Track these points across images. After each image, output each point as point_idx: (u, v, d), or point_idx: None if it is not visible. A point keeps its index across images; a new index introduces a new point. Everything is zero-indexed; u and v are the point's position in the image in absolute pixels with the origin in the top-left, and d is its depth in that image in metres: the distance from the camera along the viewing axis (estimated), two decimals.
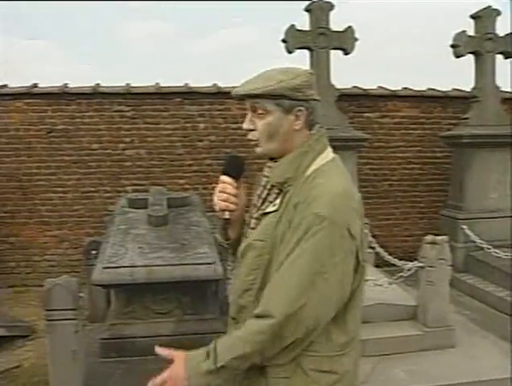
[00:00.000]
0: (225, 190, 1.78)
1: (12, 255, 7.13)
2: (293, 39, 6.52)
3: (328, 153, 1.72)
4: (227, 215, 1.78)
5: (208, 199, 6.72)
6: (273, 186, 1.72)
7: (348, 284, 1.60)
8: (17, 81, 7.42)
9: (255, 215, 1.76)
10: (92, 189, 7.19)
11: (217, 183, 1.82)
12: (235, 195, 1.79)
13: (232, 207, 1.79)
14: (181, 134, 7.25)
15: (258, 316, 1.58)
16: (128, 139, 7.19)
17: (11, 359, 4.93)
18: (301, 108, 1.68)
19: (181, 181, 7.25)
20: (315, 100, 1.71)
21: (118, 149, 7.19)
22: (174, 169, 7.26)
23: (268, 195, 1.73)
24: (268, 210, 1.70)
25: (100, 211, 7.13)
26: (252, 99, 1.69)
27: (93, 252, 4.91)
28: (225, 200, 1.78)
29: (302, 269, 1.54)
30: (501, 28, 6.90)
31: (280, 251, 1.61)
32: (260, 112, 1.69)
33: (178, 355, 1.70)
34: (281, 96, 1.66)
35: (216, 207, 1.80)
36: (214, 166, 7.24)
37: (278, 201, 1.68)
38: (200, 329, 4.02)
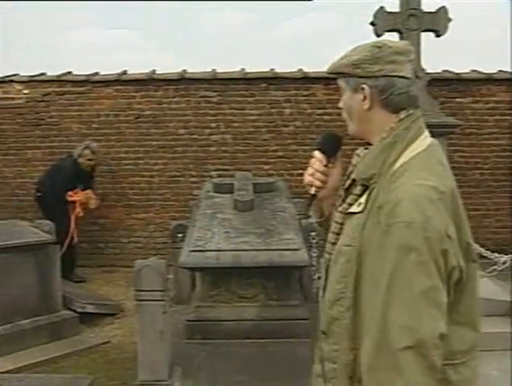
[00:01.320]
0: (312, 165, 1.73)
1: (101, 236, 7.45)
2: (382, 22, 6.32)
3: (422, 142, 1.55)
4: (313, 190, 1.74)
5: (293, 184, 6.73)
6: (354, 179, 1.60)
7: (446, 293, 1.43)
8: (107, 69, 7.67)
9: (340, 209, 1.66)
10: (178, 173, 7.37)
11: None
12: (323, 172, 1.72)
13: (317, 183, 1.71)
14: (266, 120, 7.27)
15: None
16: (214, 124, 7.30)
17: (101, 335, 5.16)
18: (363, 85, 1.55)
19: (266, 166, 7.28)
20: (386, 76, 1.54)
21: (204, 134, 7.31)
22: (259, 154, 7.30)
23: (351, 186, 1.62)
24: (352, 210, 1.56)
25: (185, 196, 7.30)
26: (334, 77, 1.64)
27: (179, 235, 5.02)
28: (311, 175, 1.73)
29: (410, 290, 1.37)
30: None
31: (370, 259, 1.46)
32: (341, 90, 1.63)
33: None
34: (343, 74, 1.58)
35: (304, 181, 1.75)
36: (299, 151, 7.22)
37: (363, 200, 1.53)
38: (283, 315, 4.03)
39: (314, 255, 4.51)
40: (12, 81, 7.55)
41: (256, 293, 4.07)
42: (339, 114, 6.29)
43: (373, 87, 1.55)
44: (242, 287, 4.05)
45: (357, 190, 1.58)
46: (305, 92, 7.25)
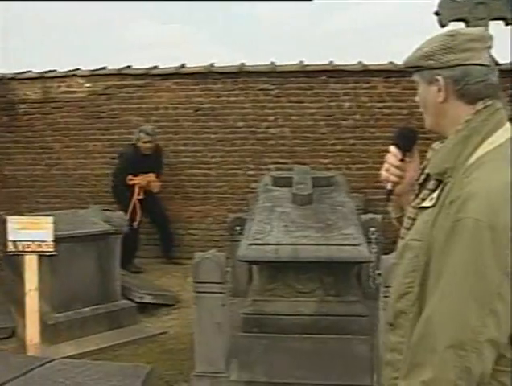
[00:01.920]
0: (388, 160, 1.71)
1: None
2: (447, 11, 6.15)
3: (501, 135, 1.47)
4: (389, 185, 1.71)
5: (351, 179, 6.64)
6: (429, 174, 1.57)
7: None
8: (166, 62, 7.78)
9: (413, 204, 1.63)
10: (236, 166, 7.40)
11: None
12: (398, 167, 1.69)
13: (393, 178, 1.69)
14: (325, 113, 7.19)
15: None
16: (272, 117, 7.28)
17: (158, 325, 5.25)
18: (437, 77, 1.50)
19: (324, 160, 7.20)
20: (460, 65, 1.48)
21: (262, 127, 7.30)
22: (317, 148, 7.23)
23: (425, 181, 1.58)
24: (425, 204, 1.54)
25: (242, 189, 7.32)
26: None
27: (237, 228, 5.04)
28: (386, 170, 1.71)
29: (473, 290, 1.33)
30: None
31: (435, 254, 1.42)
32: (417, 84, 1.59)
33: None
34: (418, 67, 1.55)
35: (380, 177, 1.73)
36: (358, 145, 7.12)
37: (435, 194, 1.50)
38: (341, 311, 4.00)
39: (373, 251, 4.45)
40: (74, 75, 7.75)
41: (314, 287, 4.07)
42: (400, 108, 6.21)
43: (447, 78, 1.50)
44: (300, 281, 4.05)
45: (431, 184, 1.54)
46: (365, 85, 7.13)
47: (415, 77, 1.59)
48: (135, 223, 6.80)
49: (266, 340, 3.92)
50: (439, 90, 1.52)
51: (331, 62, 7.29)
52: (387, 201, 1.77)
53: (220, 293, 3.29)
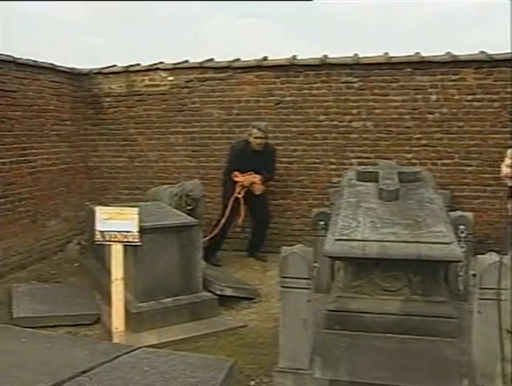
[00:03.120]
0: (510, 157, 1.62)
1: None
2: None
3: None
4: (510, 182, 1.63)
5: (437, 175, 6.45)
6: None
7: None
8: (246, 55, 7.79)
9: None
10: (317, 160, 7.34)
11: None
12: None
13: None
14: (410, 106, 7.00)
15: None
16: (355, 111, 7.16)
17: (238, 318, 5.28)
18: None
19: (408, 155, 7.02)
20: None
21: (345, 120, 7.21)
22: (401, 142, 7.06)
23: None
24: None
25: (323, 183, 7.27)
26: None
27: (321, 223, 4.99)
28: (509, 166, 1.62)
29: None
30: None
31: None
32: None
33: None
34: None
35: (501, 173, 1.65)
36: (444, 140, 6.90)
37: None
38: (428, 311, 3.89)
39: (462, 250, 4.29)
40: (158, 69, 7.92)
41: (400, 286, 3.97)
42: (491, 100, 5.95)
43: None
44: (386, 279, 3.97)
45: None
46: (453, 77, 6.87)
47: None
48: (239, 220, 6.89)
49: (348, 338, 3.87)
50: None
51: (417, 53, 7.08)
52: (509, 198, 1.69)
53: (307, 288, 3.25)
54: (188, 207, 6.37)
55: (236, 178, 6.81)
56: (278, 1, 12.35)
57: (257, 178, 6.82)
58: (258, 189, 6.86)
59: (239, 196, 6.81)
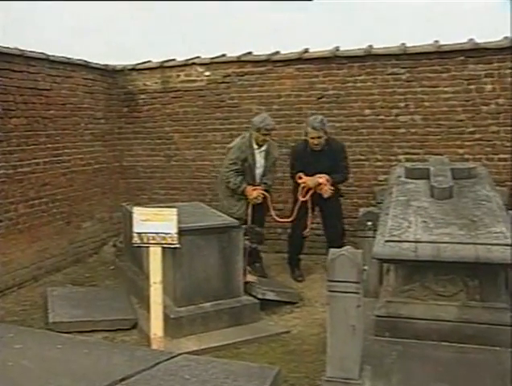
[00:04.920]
0: None
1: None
2: None
3: None
4: None
5: (492, 171, 6.27)
6: None
7: None
8: (287, 48, 7.74)
9: None
10: (362, 157, 7.26)
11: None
12: None
13: None
14: (463, 98, 6.83)
15: None
16: (402, 104, 7.05)
17: (280, 323, 5.26)
18: None
19: (460, 150, 6.87)
20: None
21: (392, 114, 7.10)
22: (452, 137, 6.91)
23: None
24: None
25: (369, 181, 7.19)
26: None
27: (369, 223, 4.92)
28: None
29: None
30: None
31: None
32: None
33: None
34: None
35: None
36: (501, 133, 6.72)
37: None
38: (487, 318, 3.79)
39: None
40: (194, 64, 7.97)
41: (456, 291, 3.87)
42: None
43: None
44: (440, 283, 3.88)
45: None
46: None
47: None
48: (305, 232, 6.44)
49: (399, 346, 3.80)
50: None
51: (470, 40, 6.90)
52: None
53: (356, 293, 3.19)
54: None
55: (299, 180, 6.29)
56: (279, 1, 12.29)
57: (323, 178, 6.18)
58: (326, 191, 6.17)
59: (303, 199, 6.28)
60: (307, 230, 6.42)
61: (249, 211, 6.41)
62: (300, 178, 6.30)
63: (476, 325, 3.75)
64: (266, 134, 6.36)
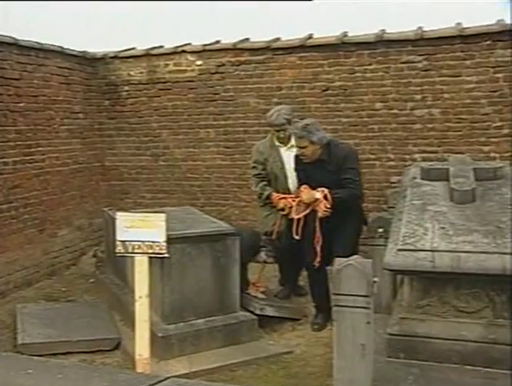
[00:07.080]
0: None
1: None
2: None
3: None
4: None
5: None
6: None
7: None
8: (289, 34, 7.74)
9: None
10: (373, 156, 7.27)
11: None
12: None
13: None
14: (489, 88, 6.81)
15: None
16: (418, 96, 7.06)
17: (281, 343, 5.28)
18: None
19: (485, 148, 6.87)
20: None
21: (406, 108, 7.12)
22: (476, 133, 6.92)
23: None
24: None
25: (380, 183, 7.21)
26: None
27: (380, 229, 4.95)
28: None
29: None
30: None
31: None
32: None
33: None
34: None
35: None
36: None
37: None
38: None
39: None
40: (184, 51, 7.98)
41: (480, 307, 3.89)
42: None
43: None
44: (462, 298, 3.90)
45: None
46: None
47: None
48: (315, 262, 5.44)
49: (416, 369, 3.82)
50: None
51: (499, 21, 6.86)
52: None
53: (366, 308, 3.20)
54: (284, 138, 5.92)
55: (300, 193, 5.57)
56: (277, 1, 12.36)
57: (321, 192, 5.33)
58: (321, 210, 5.31)
59: (296, 217, 5.60)
60: (318, 259, 5.45)
61: (278, 222, 5.96)
62: (301, 191, 5.57)
63: (503, 346, 3.75)
64: (279, 131, 6.00)
